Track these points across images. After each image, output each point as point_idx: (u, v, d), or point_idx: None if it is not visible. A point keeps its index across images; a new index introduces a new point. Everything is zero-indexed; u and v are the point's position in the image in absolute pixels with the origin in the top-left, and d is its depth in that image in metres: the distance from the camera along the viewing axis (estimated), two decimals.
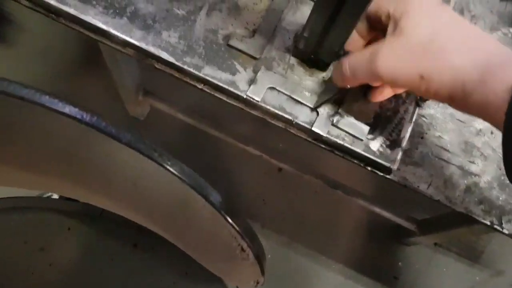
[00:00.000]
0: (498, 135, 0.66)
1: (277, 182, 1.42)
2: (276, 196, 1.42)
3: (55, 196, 0.81)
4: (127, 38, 0.61)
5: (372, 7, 0.52)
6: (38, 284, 0.68)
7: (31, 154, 0.38)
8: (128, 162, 0.35)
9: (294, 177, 1.32)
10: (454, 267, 1.45)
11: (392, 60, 0.49)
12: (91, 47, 1.45)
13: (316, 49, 0.59)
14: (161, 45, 0.62)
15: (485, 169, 0.64)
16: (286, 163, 1.28)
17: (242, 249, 0.37)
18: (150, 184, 0.36)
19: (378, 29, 0.54)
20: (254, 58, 0.62)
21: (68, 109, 0.35)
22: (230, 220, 0.37)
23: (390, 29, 0.51)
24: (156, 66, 0.64)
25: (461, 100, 0.46)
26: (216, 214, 0.36)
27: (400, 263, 1.44)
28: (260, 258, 0.39)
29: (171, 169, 0.35)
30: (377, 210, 1.28)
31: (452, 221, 1.17)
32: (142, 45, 0.62)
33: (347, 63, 0.54)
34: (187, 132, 1.41)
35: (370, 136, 0.61)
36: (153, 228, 0.48)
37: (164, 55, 0.61)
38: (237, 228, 0.37)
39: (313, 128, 0.61)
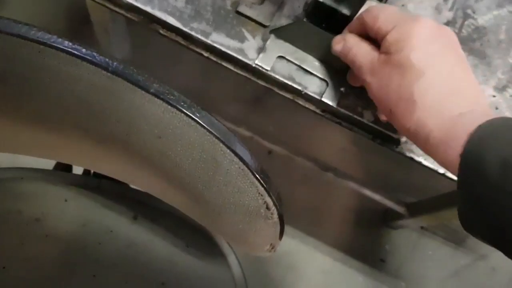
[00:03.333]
0: (503, 110, 0.66)
1: (267, 165, 1.41)
2: None
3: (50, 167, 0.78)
4: (132, 2, 0.59)
5: (373, 23, 0.50)
6: (34, 254, 0.66)
7: (49, 107, 0.36)
8: (155, 114, 0.34)
9: (285, 159, 1.32)
10: (439, 250, 1.47)
11: (375, 79, 0.50)
12: (77, 21, 1.40)
13: (329, 16, 0.58)
14: (168, 10, 0.60)
15: None
16: (277, 145, 1.27)
17: (267, 207, 0.36)
18: (177, 137, 0.34)
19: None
20: (263, 25, 0.61)
21: (93, 56, 0.33)
22: (258, 176, 0.35)
23: (383, 47, 0.49)
24: (161, 32, 0.62)
25: (424, 149, 0.47)
26: (244, 169, 0.35)
27: (387, 246, 1.46)
28: (282, 217, 0.38)
29: (200, 121, 0.34)
30: (368, 193, 1.28)
31: (440, 203, 1.18)
32: (148, 9, 0.59)
33: (350, 47, 0.53)
34: None
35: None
36: (169, 189, 0.46)
37: (171, 20, 0.59)
38: (265, 185, 0.36)
39: (322, 99, 0.60)
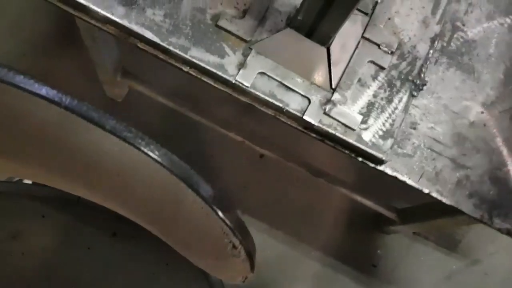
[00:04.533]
0: (491, 127, 0.65)
1: (258, 169, 1.40)
2: (257, 183, 1.39)
3: (28, 181, 0.77)
4: (108, 15, 0.57)
5: None
6: (10, 273, 0.64)
7: (6, 141, 0.34)
8: (112, 151, 0.32)
9: (276, 164, 1.30)
10: (432, 255, 1.46)
11: None
12: (66, 22, 1.38)
13: (310, 32, 0.56)
14: (145, 24, 0.58)
15: (477, 163, 0.63)
16: (269, 150, 1.26)
17: (234, 246, 0.35)
18: (136, 175, 0.33)
19: None
20: (244, 40, 0.59)
21: (45, 90, 0.31)
22: (222, 216, 0.34)
23: None
24: (139, 46, 0.60)
25: None
26: (207, 209, 0.33)
27: (379, 251, 1.44)
28: (251, 254, 0.37)
29: (159, 160, 0.32)
30: (359, 198, 1.27)
31: (432, 211, 1.16)
32: (125, 22, 0.58)
33: None
34: (167, 115, 1.37)
35: (362, 126, 0.59)
36: (137, 221, 0.45)
37: (148, 35, 0.58)
38: (229, 224, 0.34)
39: (304, 117, 0.58)
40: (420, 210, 1.22)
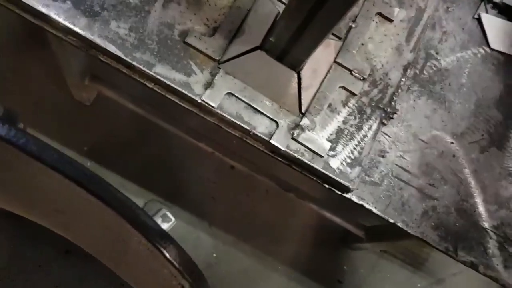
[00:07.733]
0: (460, 158, 0.64)
1: (228, 180, 1.37)
2: (226, 194, 1.37)
3: None
4: (70, 26, 0.54)
5: None
6: None
7: None
8: (51, 186, 0.29)
9: (246, 176, 1.28)
10: (398, 273, 1.46)
11: None
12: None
13: (282, 55, 0.55)
14: (109, 37, 0.55)
15: (444, 194, 0.62)
16: (239, 162, 1.23)
17: None
18: (77, 212, 0.30)
19: None
20: (213, 59, 0.57)
21: None
22: (169, 257, 0.31)
23: None
24: (101, 58, 0.57)
25: None
26: (154, 250, 0.31)
27: (345, 267, 1.44)
28: None
29: (102, 197, 0.30)
30: (328, 215, 1.26)
31: (400, 231, 1.16)
32: (87, 34, 0.55)
33: None
34: (136, 122, 1.33)
35: (331, 153, 0.58)
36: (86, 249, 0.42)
37: (111, 48, 0.55)
38: (178, 266, 0.32)
39: (271, 141, 0.56)
40: (388, 229, 1.22)
